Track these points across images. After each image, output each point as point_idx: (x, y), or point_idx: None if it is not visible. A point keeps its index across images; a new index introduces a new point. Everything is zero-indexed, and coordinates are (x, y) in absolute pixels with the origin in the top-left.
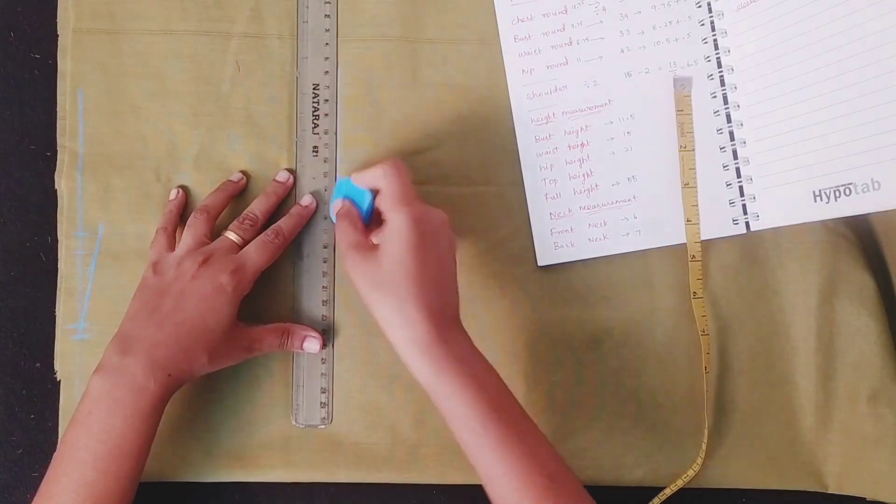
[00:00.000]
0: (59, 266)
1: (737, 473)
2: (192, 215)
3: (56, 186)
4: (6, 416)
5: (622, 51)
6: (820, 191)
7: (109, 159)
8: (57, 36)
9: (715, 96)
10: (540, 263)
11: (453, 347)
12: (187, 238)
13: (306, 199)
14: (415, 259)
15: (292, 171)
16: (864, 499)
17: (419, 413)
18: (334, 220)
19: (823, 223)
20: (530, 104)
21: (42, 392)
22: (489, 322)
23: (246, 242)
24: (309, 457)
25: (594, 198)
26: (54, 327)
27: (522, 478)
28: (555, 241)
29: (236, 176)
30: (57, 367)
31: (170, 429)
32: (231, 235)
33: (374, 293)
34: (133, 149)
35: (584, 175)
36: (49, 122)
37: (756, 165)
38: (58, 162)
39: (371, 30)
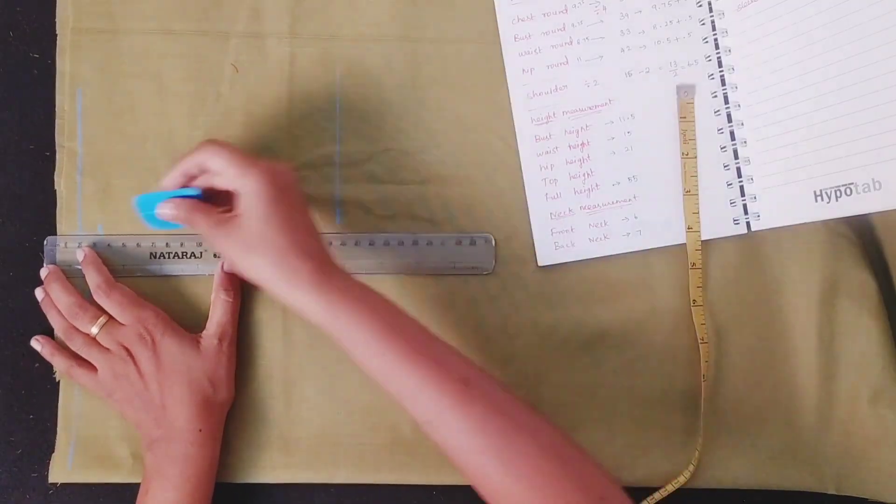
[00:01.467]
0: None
1: (737, 474)
2: (75, 332)
3: (56, 187)
4: (6, 416)
5: (622, 50)
6: (821, 191)
7: (108, 159)
8: (56, 36)
9: (716, 96)
10: (540, 263)
11: (339, 283)
12: (98, 355)
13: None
14: (279, 211)
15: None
16: (865, 499)
17: None
18: (157, 227)
19: (824, 223)
20: (530, 104)
21: (42, 392)
22: (489, 322)
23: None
24: (309, 457)
25: (594, 198)
26: (54, 327)
27: (435, 386)
28: (555, 241)
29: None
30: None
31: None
32: (94, 329)
33: (250, 257)
34: (132, 149)
35: (584, 175)
36: (48, 121)
37: (757, 165)
38: (57, 162)
39: (371, 30)
